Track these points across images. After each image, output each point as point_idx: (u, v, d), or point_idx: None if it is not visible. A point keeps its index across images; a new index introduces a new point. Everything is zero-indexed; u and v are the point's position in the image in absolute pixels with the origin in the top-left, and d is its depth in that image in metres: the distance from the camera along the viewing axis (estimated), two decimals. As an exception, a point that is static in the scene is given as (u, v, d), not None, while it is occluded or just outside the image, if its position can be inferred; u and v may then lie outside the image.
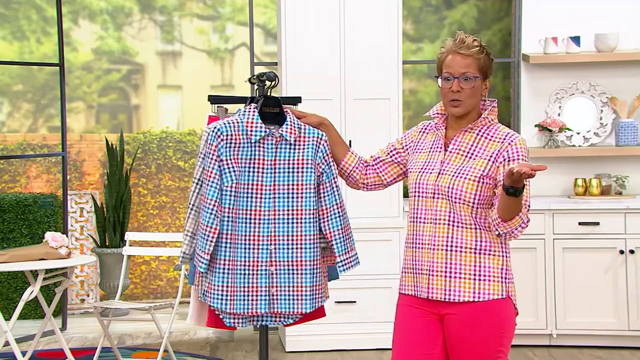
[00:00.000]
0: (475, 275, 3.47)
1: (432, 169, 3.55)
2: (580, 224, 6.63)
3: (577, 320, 6.64)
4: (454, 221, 3.48)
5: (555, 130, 7.09)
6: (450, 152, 3.55)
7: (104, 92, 8.86)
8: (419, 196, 3.56)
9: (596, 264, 6.62)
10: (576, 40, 7.06)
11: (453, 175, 3.50)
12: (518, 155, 3.48)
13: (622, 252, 6.58)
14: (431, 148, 3.61)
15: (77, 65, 8.76)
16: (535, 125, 7.20)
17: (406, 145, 3.73)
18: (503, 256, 3.51)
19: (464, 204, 3.47)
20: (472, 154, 3.52)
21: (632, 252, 6.57)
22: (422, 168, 3.58)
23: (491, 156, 3.50)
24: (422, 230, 3.54)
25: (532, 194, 7.24)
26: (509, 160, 3.48)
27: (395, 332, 3.64)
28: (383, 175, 3.81)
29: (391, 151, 3.77)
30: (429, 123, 3.70)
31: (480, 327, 3.46)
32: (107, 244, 8.11)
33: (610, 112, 7.20)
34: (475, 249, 3.48)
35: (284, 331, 6.66)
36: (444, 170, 3.52)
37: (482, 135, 3.55)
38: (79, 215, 8.44)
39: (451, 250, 3.48)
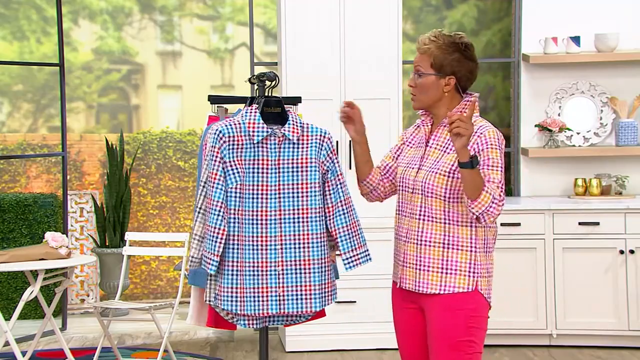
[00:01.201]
0: (442, 268, 3.56)
1: (414, 165, 3.64)
2: (580, 224, 6.63)
3: (577, 320, 6.63)
4: (426, 215, 3.57)
5: (555, 130, 7.09)
6: (430, 147, 3.63)
7: (104, 92, 8.87)
8: (402, 190, 3.67)
9: (596, 264, 6.62)
10: (576, 40, 7.06)
11: (428, 171, 3.58)
12: (486, 146, 3.49)
13: (622, 252, 6.58)
14: (417, 144, 3.71)
15: (77, 65, 8.76)
16: (535, 125, 7.20)
17: (406, 142, 3.80)
18: (472, 251, 3.57)
19: (436, 198, 3.55)
20: (448, 148, 3.58)
21: (632, 252, 6.57)
22: (406, 164, 3.69)
23: None
24: (402, 223, 3.66)
25: (531, 194, 7.26)
26: (478, 152, 3.49)
27: (394, 323, 3.80)
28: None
29: (396, 152, 3.82)
30: (423, 119, 3.76)
31: (446, 319, 3.55)
32: (107, 244, 8.11)
33: (610, 112, 7.20)
34: (444, 243, 3.55)
35: (284, 331, 6.66)
36: (422, 165, 3.62)
37: None
38: (79, 215, 8.45)
39: (421, 244, 3.58)
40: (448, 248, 3.55)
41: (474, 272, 3.57)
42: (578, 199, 6.88)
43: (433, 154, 3.60)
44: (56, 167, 8.60)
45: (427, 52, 3.59)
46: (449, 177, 3.53)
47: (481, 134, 3.51)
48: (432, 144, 3.62)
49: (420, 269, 3.58)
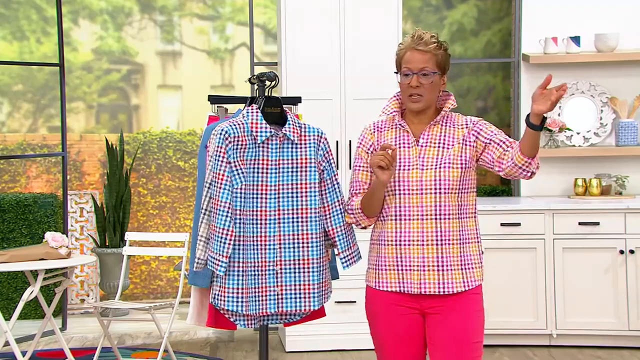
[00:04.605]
0: (462, 265, 3.56)
1: (409, 165, 3.56)
2: (580, 224, 6.63)
3: (577, 320, 6.63)
4: (440, 214, 3.53)
5: (555, 130, 7.09)
6: (423, 146, 3.59)
7: (104, 92, 8.87)
8: (401, 193, 3.56)
9: (596, 264, 6.62)
10: (576, 40, 7.06)
11: (436, 167, 3.54)
12: (486, 127, 3.60)
13: (622, 252, 6.58)
14: (397, 145, 3.60)
15: (77, 65, 8.76)
16: (535, 125, 7.19)
17: (369, 152, 3.68)
18: (478, 242, 3.63)
19: (450, 193, 3.53)
20: (445, 143, 3.58)
21: (632, 252, 6.57)
22: (400, 166, 3.58)
23: (462, 141, 3.58)
24: (408, 227, 3.56)
25: (531, 194, 7.26)
26: (478, 134, 3.58)
27: (383, 332, 3.64)
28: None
29: (370, 172, 3.67)
30: (379, 121, 3.69)
31: (466, 319, 3.56)
32: (107, 244, 8.11)
33: (610, 112, 7.20)
34: (460, 239, 3.56)
35: (284, 331, 6.66)
36: (425, 164, 3.56)
37: (446, 125, 3.62)
38: (79, 215, 8.45)
39: (441, 244, 3.54)
40: (464, 243, 3.57)
41: (481, 263, 3.63)
42: (578, 199, 6.89)
43: (429, 151, 3.57)
44: (56, 167, 8.60)
45: (431, 51, 3.57)
46: (461, 168, 3.55)
47: (475, 122, 3.62)
48: (424, 142, 3.59)
49: (443, 270, 3.53)
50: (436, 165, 3.54)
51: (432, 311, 3.57)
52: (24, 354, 5.97)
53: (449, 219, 3.53)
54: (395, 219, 3.58)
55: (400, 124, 3.62)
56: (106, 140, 8.19)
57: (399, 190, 3.56)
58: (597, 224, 6.61)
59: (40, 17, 8.67)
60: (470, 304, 3.57)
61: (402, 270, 3.57)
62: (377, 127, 3.68)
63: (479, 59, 7.88)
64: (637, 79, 7.19)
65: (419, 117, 3.62)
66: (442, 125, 3.62)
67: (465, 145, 3.58)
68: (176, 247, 6.19)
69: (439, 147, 3.57)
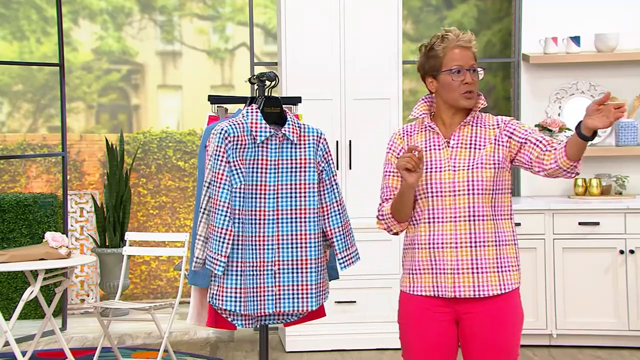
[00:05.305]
0: (498, 267, 3.48)
1: (441, 167, 3.50)
2: (580, 224, 6.63)
3: (577, 320, 6.64)
4: (474, 216, 3.47)
5: (555, 130, 7.09)
6: (454, 147, 3.52)
7: (104, 92, 8.87)
8: (434, 196, 3.49)
9: (596, 264, 6.62)
10: (576, 40, 7.06)
11: (468, 168, 3.48)
12: (518, 126, 3.53)
13: (622, 252, 6.58)
14: (427, 147, 3.55)
15: (77, 65, 8.76)
16: (535, 125, 7.20)
17: (399, 156, 3.58)
18: (515, 244, 3.55)
19: (484, 194, 3.46)
20: (477, 144, 3.51)
21: (632, 252, 6.57)
22: (431, 168, 3.51)
23: (495, 140, 3.51)
24: (441, 229, 3.48)
25: (531, 194, 7.26)
26: (512, 134, 3.51)
27: (414, 337, 3.57)
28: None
29: (400, 177, 3.58)
30: (408, 125, 3.64)
31: (502, 323, 3.49)
32: (107, 244, 8.11)
33: (610, 112, 7.19)
34: (496, 240, 3.49)
35: (284, 331, 6.66)
36: (457, 165, 3.49)
37: (477, 126, 3.55)
38: (79, 215, 8.45)
39: (476, 246, 3.47)
40: (500, 245, 3.49)
41: (519, 266, 3.55)
42: (578, 199, 6.89)
43: (461, 152, 3.50)
44: (56, 167, 8.60)
45: (471, 49, 3.54)
46: (495, 169, 3.48)
47: (506, 122, 3.55)
48: (455, 143, 3.51)
49: (478, 272, 3.46)
50: (469, 166, 3.47)
51: (467, 316, 3.50)
52: (24, 354, 5.97)
53: (483, 220, 3.47)
54: (429, 222, 3.50)
55: (430, 126, 3.56)
56: (106, 140, 8.19)
57: (432, 192, 3.49)
58: (597, 224, 6.61)
59: (40, 17, 8.67)
60: (508, 309, 3.50)
61: (436, 273, 3.50)
62: (407, 131, 3.61)
63: (479, 59, 7.89)
64: (637, 79, 7.19)
65: (453, 117, 3.55)
66: (472, 125, 3.54)
67: (498, 145, 3.51)
68: (176, 247, 6.19)
69: (470, 148, 3.50)
